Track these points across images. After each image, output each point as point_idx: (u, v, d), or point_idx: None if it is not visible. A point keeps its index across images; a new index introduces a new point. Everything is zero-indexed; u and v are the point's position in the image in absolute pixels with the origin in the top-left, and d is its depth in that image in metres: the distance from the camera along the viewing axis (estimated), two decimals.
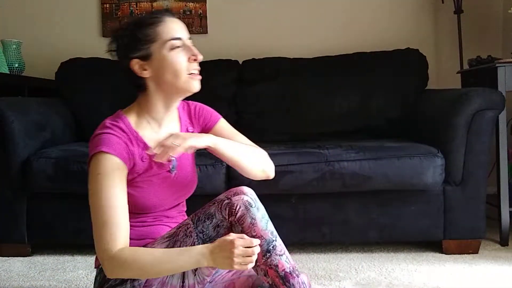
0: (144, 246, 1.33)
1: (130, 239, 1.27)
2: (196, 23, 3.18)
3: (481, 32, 3.11)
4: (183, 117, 1.48)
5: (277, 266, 1.27)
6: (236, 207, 1.25)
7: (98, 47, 2.84)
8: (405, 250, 2.29)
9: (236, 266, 1.16)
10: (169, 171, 1.39)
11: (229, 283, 1.40)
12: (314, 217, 2.22)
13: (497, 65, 2.31)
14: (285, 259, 1.28)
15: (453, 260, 2.14)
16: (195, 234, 1.27)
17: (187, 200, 1.53)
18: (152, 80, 1.35)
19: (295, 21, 3.19)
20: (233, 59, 2.95)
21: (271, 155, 1.52)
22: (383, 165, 2.12)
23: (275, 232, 1.29)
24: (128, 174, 1.31)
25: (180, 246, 1.27)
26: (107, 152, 1.26)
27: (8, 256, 2.32)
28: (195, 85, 1.35)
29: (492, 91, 2.19)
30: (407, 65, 2.80)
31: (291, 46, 3.10)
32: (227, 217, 1.26)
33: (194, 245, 1.26)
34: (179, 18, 1.40)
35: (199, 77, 1.36)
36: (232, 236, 1.18)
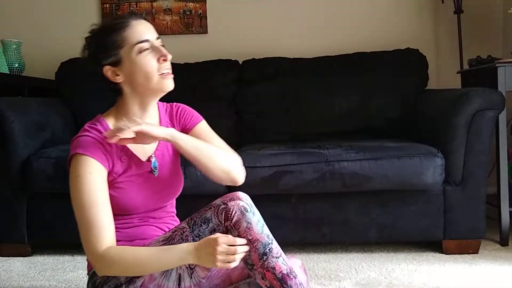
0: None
1: (120, 241, 1.30)
2: (196, 23, 3.18)
3: (481, 32, 3.11)
4: (163, 118, 1.48)
5: (274, 268, 1.28)
6: (232, 212, 1.27)
7: None
8: (405, 250, 2.29)
9: (218, 264, 1.18)
10: (151, 172, 1.40)
11: (226, 276, 1.43)
12: (314, 217, 2.22)
13: (497, 65, 2.31)
14: (282, 261, 1.29)
15: (453, 260, 2.14)
16: (192, 238, 1.29)
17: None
18: (126, 84, 1.36)
19: (295, 21, 3.18)
20: (233, 59, 2.95)
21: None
22: (383, 165, 2.12)
23: (271, 235, 1.30)
24: (108, 175, 1.32)
25: None
26: (83, 154, 1.28)
27: (8, 256, 2.32)
28: (168, 84, 1.36)
29: (492, 91, 2.19)
30: (407, 65, 2.80)
31: (291, 46, 3.09)
32: (223, 222, 1.28)
33: None
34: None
35: (172, 75, 1.36)
36: (217, 235, 1.20)
